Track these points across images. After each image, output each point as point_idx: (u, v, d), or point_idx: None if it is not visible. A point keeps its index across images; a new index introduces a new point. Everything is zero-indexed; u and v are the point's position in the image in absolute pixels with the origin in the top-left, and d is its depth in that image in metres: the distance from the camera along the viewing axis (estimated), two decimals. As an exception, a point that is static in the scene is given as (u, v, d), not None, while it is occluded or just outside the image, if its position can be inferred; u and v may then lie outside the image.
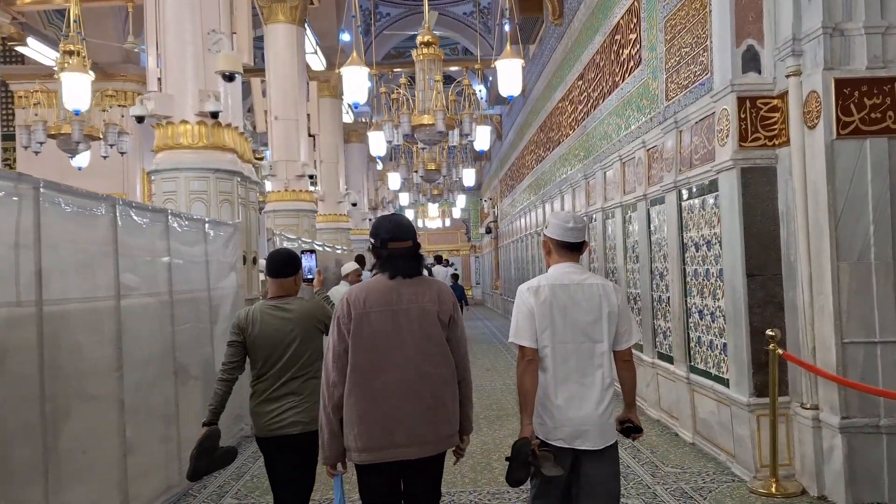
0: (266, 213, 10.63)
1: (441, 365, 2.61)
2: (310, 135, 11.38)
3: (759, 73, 4.77)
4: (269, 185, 10.76)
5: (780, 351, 4.36)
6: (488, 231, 22.54)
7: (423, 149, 11.66)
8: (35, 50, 11.23)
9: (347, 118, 18.66)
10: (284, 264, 3.23)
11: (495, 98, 18.68)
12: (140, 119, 6.27)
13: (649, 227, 6.68)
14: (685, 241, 5.78)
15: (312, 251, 4.41)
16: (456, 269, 21.07)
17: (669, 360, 6.23)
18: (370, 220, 19.63)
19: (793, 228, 4.53)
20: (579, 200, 9.77)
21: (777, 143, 4.70)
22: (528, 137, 15.11)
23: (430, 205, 25.76)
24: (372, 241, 2.69)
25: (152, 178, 6.47)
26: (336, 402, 2.58)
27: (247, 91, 12.59)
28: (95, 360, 3.78)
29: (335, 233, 14.66)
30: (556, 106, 11.47)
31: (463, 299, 12.99)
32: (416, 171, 12.85)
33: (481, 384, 8.74)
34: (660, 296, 6.47)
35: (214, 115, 6.18)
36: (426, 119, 8.76)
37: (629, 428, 2.86)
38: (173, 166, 6.29)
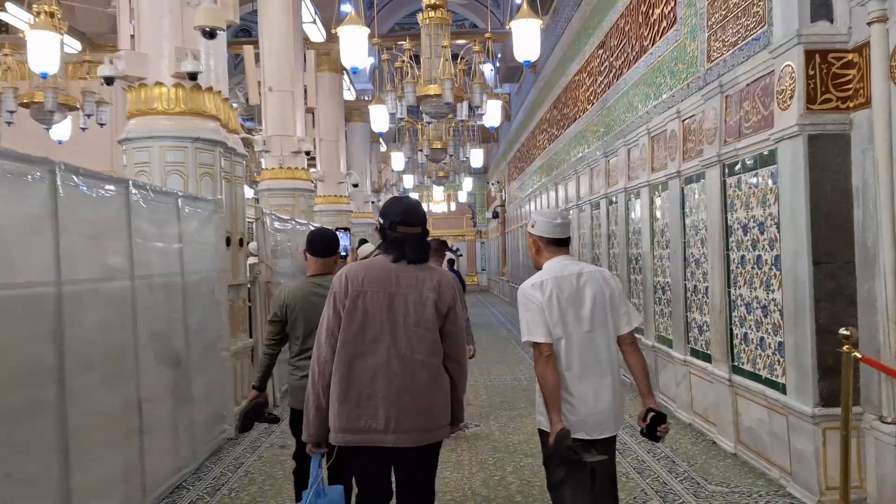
0: (260, 191, 9.90)
1: (430, 354, 2.54)
2: (307, 110, 10.62)
3: (832, 21, 4.00)
4: (264, 163, 10.02)
5: (856, 353, 3.63)
6: (495, 216, 21.74)
7: (428, 123, 10.88)
8: (14, 16, 10.48)
9: (349, 95, 17.88)
10: (328, 245, 3.42)
11: (504, 75, 17.88)
12: (108, 81, 5.52)
13: (683, 209, 5.94)
14: (730, 223, 5.04)
15: (347, 229, 4.91)
16: (460, 254, 20.31)
17: (706, 358, 5.51)
18: (373, 202, 18.90)
19: (871, 208, 3.79)
20: (597, 181, 9.02)
21: (852, 105, 3.95)
22: (539, 116, 14.33)
23: (435, 188, 24.96)
24: (381, 220, 2.64)
25: (124, 147, 5.74)
26: (327, 379, 2.52)
27: (241, 70, 11.82)
28: (26, 362, 3.07)
29: (335, 215, 13.91)
30: (573, 79, 10.68)
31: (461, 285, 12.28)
32: (421, 150, 12.07)
33: (490, 380, 8.07)
34: (695, 286, 5.74)
35: (193, 76, 5.44)
36: (432, 89, 8.01)
37: (654, 417, 2.72)
38: (146, 134, 5.55)
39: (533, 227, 2.84)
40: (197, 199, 5.30)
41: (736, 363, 5.01)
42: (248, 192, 10.49)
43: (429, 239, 2.79)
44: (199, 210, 5.23)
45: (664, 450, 5.11)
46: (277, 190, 9.67)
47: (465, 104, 8.73)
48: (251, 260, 6.96)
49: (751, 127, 4.67)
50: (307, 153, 9.63)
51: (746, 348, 4.86)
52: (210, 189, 5.69)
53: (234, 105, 10.15)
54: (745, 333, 4.86)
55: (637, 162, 7.22)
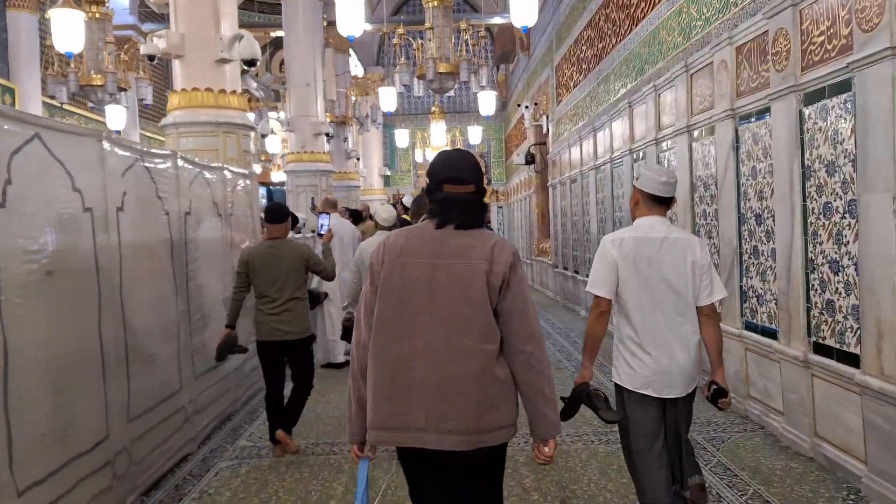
0: None
1: (481, 339, 2.04)
2: None
3: None
4: None
5: None
6: (530, 160, 13.89)
7: None
8: None
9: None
10: (278, 213, 4.42)
11: None
12: None
13: None
14: None
15: (327, 212, 5.51)
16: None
17: None
18: (328, 135, 11.17)
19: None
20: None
21: None
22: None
23: (433, 127, 17.19)
24: (427, 180, 2.23)
25: None
26: (364, 365, 2.14)
27: None
28: None
29: (211, 134, 6.25)
30: None
31: None
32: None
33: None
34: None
35: None
36: None
37: (717, 391, 2.76)
38: None
39: (637, 179, 2.79)
40: None
41: None
42: None
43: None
44: None
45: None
46: None
47: None
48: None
49: None
50: None
51: None
52: None
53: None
54: None
55: None
